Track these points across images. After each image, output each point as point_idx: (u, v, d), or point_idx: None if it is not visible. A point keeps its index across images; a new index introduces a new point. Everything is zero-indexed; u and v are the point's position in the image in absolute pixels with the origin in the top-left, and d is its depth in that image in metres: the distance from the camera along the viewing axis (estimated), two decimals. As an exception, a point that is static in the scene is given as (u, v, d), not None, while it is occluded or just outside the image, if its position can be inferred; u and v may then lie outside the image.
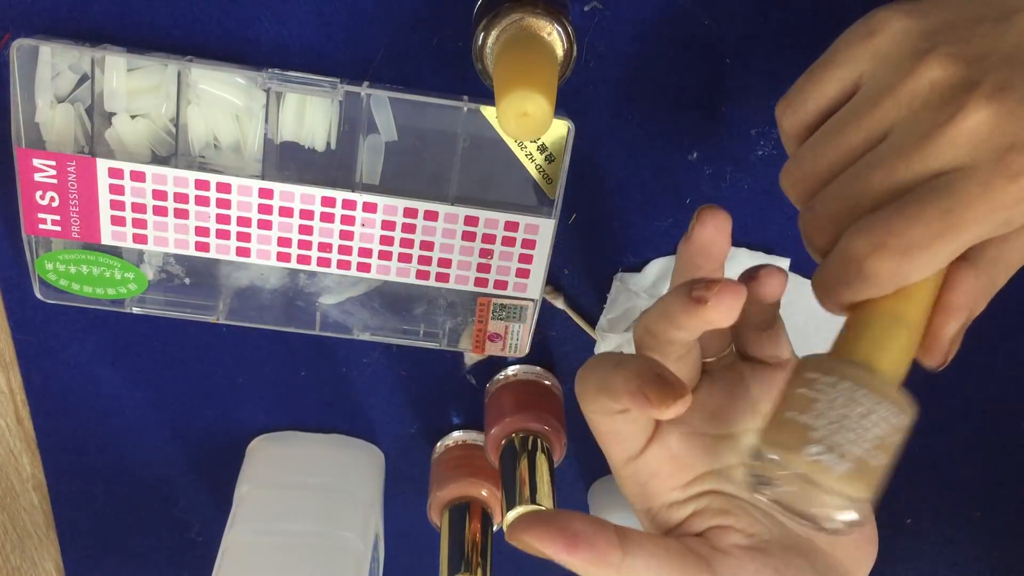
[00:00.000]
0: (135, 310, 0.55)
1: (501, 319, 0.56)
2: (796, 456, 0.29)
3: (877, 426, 0.30)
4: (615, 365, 0.33)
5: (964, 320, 0.34)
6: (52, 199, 0.50)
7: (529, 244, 0.52)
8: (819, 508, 0.30)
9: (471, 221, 0.51)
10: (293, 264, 0.53)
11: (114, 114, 0.48)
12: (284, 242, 0.52)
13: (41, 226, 0.52)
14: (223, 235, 0.52)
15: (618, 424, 0.35)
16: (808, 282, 0.56)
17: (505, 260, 0.53)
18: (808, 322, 0.57)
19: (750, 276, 0.34)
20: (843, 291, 0.33)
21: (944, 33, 0.33)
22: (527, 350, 0.57)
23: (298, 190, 0.50)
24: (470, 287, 0.54)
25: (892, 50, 0.34)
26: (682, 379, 0.33)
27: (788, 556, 0.34)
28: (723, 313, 0.31)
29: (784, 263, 0.55)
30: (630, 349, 0.56)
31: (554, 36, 0.43)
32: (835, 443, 0.29)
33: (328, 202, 0.51)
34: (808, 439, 0.29)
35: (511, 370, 0.61)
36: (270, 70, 0.48)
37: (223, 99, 0.48)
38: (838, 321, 0.57)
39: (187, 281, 0.55)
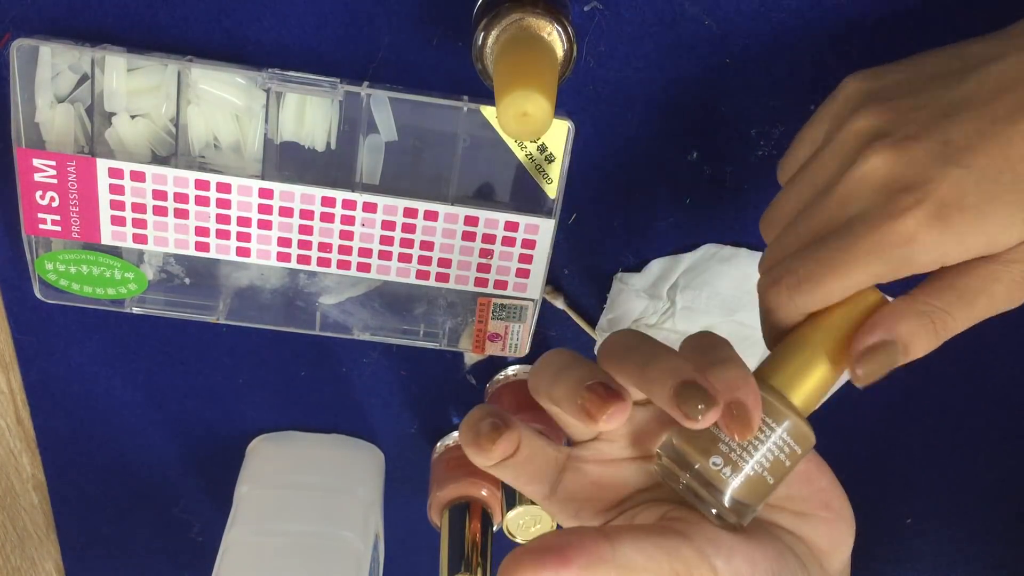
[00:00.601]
0: (135, 310, 0.55)
1: (501, 319, 0.56)
2: (702, 461, 0.34)
3: (777, 451, 0.34)
4: (470, 423, 0.36)
5: (877, 339, 0.34)
6: (52, 199, 0.50)
7: (529, 244, 0.52)
8: (709, 506, 0.34)
9: (471, 221, 0.51)
10: (293, 264, 0.53)
11: (114, 114, 0.48)
12: (284, 242, 0.52)
13: (41, 226, 0.52)
14: (223, 235, 0.52)
15: (517, 468, 0.36)
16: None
17: (505, 260, 0.53)
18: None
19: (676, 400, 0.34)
20: (763, 323, 0.37)
21: (890, 90, 0.36)
22: (527, 350, 0.57)
23: (298, 190, 0.50)
24: (470, 287, 0.54)
25: (840, 110, 0.37)
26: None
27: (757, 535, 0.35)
28: (610, 426, 0.33)
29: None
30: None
31: (554, 36, 0.43)
32: (735, 459, 0.34)
33: (328, 202, 0.51)
34: (714, 450, 0.34)
35: (511, 370, 0.61)
36: (270, 70, 0.48)
37: (223, 99, 0.48)
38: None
39: (187, 281, 0.55)
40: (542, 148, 0.49)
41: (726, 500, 0.34)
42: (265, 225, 0.52)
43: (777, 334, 0.37)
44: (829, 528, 0.36)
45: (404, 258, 0.53)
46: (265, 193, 0.50)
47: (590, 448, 0.38)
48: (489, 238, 0.52)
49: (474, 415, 0.35)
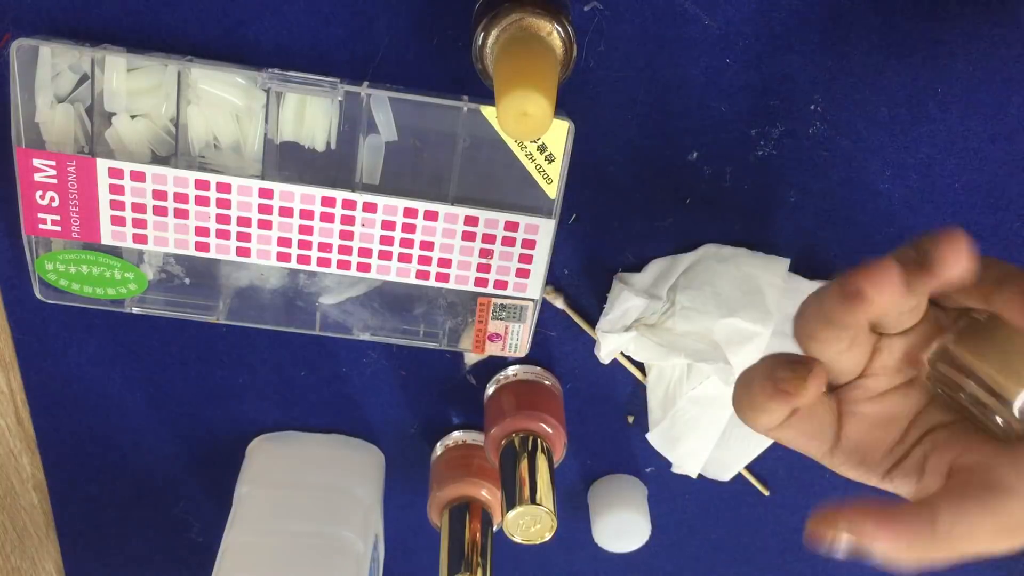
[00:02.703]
0: (135, 310, 0.55)
1: (501, 319, 0.56)
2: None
3: None
4: (746, 383, 0.35)
5: None
6: (52, 199, 0.50)
7: (529, 244, 0.52)
8: (993, 413, 0.33)
9: (471, 221, 0.51)
10: (293, 264, 0.53)
11: (114, 114, 0.48)
12: (284, 242, 0.52)
13: (41, 226, 0.52)
14: (223, 235, 0.52)
15: (799, 426, 0.35)
16: (809, 282, 0.56)
17: (505, 260, 0.53)
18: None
19: (919, 260, 0.32)
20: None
21: None
22: (527, 350, 0.57)
23: (298, 190, 0.50)
24: (470, 287, 0.54)
25: None
26: (854, 362, 0.35)
27: None
28: (885, 302, 0.31)
29: (784, 263, 0.55)
30: (635, 347, 0.56)
31: (554, 36, 0.43)
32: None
33: (328, 202, 0.51)
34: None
35: (511, 370, 0.61)
36: (270, 70, 0.48)
37: (223, 99, 0.48)
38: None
39: (187, 281, 0.55)
40: (542, 148, 0.49)
41: (1016, 407, 0.32)
42: (265, 225, 0.52)
43: None
44: None
45: (404, 258, 0.53)
46: (265, 193, 0.50)
47: (857, 388, 0.36)
48: (489, 238, 0.52)
49: (762, 368, 0.34)
